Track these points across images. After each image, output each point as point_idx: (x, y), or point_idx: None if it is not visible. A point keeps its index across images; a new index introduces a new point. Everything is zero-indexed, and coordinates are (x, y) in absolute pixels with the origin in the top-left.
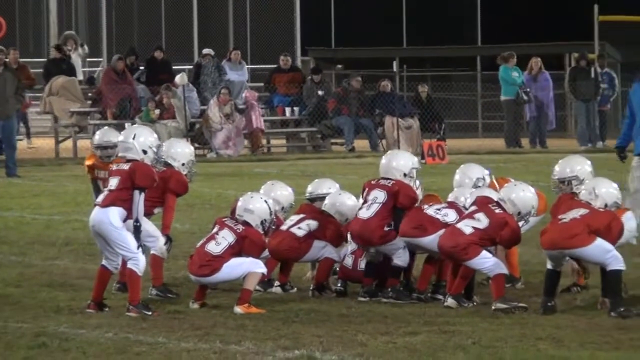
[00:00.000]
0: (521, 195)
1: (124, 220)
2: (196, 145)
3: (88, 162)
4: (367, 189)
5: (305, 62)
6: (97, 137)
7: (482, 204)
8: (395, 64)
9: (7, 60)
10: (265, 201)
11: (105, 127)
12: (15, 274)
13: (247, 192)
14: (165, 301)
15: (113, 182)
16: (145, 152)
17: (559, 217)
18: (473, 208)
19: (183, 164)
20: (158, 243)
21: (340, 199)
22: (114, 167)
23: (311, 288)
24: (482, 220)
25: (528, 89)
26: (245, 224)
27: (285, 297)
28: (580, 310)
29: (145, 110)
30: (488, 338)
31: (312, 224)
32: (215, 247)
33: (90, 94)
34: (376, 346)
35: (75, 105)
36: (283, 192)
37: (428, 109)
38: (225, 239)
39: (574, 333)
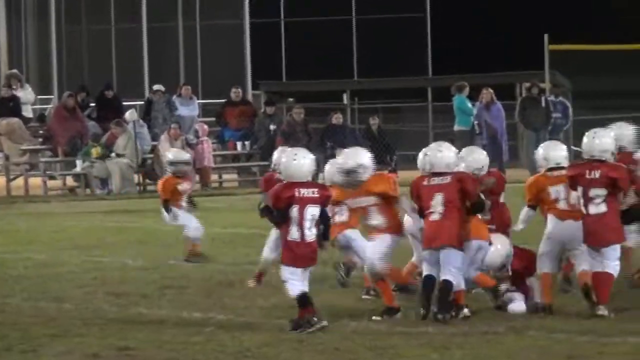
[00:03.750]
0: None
1: None
2: (147, 181)
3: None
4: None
5: (257, 95)
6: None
7: None
8: (345, 97)
9: None
10: None
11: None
12: None
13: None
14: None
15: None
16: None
17: None
18: None
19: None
20: None
21: None
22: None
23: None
24: None
25: (477, 121)
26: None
27: (238, 327)
28: (531, 337)
29: (87, 148)
30: None
31: None
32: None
33: (41, 132)
34: None
35: (23, 145)
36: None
37: (379, 141)
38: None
39: None
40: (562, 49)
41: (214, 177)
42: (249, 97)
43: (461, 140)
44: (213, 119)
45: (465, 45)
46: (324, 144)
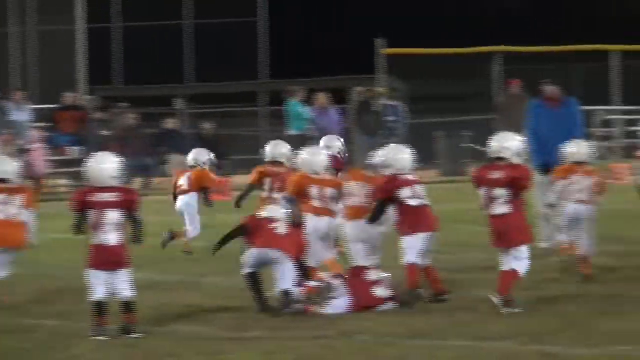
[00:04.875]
0: None
1: None
2: None
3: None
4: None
5: (90, 100)
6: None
7: None
8: (180, 101)
9: None
10: None
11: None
12: None
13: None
14: None
15: None
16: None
17: None
18: None
19: None
20: None
21: None
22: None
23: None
24: None
25: (312, 125)
26: None
27: (69, 334)
28: (361, 341)
29: None
30: None
31: None
32: None
33: None
34: None
35: None
36: None
37: (213, 145)
38: None
39: None
40: (397, 53)
41: (48, 182)
42: (83, 102)
43: (296, 145)
44: (47, 124)
45: (299, 49)
46: (158, 149)
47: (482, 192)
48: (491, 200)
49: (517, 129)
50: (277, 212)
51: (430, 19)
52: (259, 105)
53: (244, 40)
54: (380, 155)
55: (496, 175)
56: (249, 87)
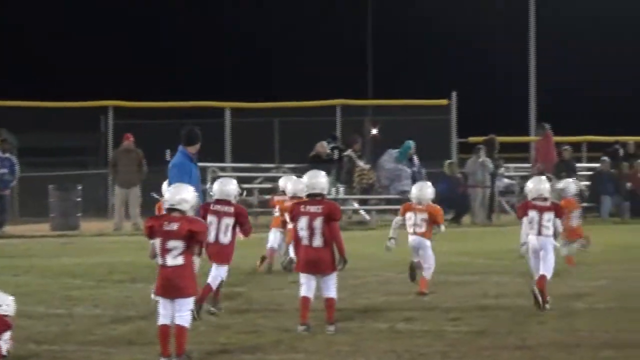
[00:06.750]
0: None
1: None
2: None
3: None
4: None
5: None
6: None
7: None
8: None
9: None
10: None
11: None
12: None
13: None
14: None
15: None
16: None
17: None
18: None
19: None
20: None
21: None
22: None
23: None
24: None
25: None
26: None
27: None
28: None
29: None
30: None
31: None
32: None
33: None
34: None
35: None
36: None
37: None
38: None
39: None
40: (8, 105)
41: None
42: None
43: None
44: None
45: None
46: None
47: (157, 242)
48: (165, 251)
49: (129, 184)
50: None
51: (44, 72)
52: None
53: None
54: None
55: (173, 227)
56: None
